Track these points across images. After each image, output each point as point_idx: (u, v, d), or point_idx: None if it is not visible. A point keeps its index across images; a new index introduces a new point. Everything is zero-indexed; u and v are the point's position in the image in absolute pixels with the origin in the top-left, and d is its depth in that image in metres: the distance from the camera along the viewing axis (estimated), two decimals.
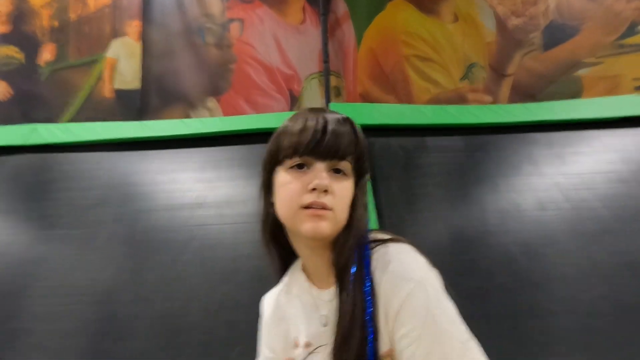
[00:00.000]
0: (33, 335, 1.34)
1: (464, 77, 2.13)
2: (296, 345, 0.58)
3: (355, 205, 0.54)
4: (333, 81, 2.26)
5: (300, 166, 0.53)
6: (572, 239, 1.36)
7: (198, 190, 1.64)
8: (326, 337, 0.53)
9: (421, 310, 0.46)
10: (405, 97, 2.15)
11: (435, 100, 2.11)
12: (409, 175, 1.61)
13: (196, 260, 1.43)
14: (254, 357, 1.19)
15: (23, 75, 2.52)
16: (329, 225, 0.51)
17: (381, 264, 0.51)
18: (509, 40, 2.09)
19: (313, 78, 2.32)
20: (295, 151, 0.52)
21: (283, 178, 0.53)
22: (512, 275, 1.34)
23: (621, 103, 1.71)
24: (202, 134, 1.83)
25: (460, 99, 2.09)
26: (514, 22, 2.10)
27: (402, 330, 0.47)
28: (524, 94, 2.00)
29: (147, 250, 1.47)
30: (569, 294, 1.27)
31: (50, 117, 2.41)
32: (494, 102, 2.03)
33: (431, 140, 1.72)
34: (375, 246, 0.53)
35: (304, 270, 0.61)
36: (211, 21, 2.43)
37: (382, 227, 1.45)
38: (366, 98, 2.23)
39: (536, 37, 2.07)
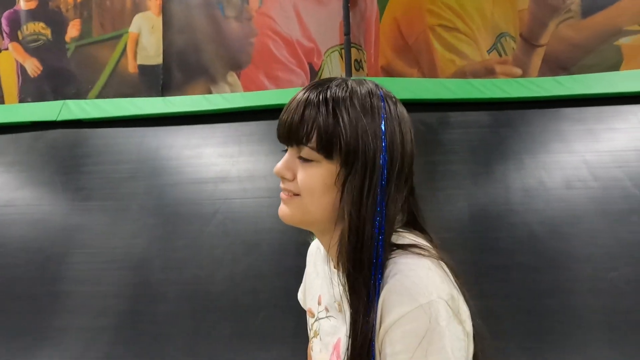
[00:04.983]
0: (74, 297, 1.46)
1: (492, 48, 2.03)
2: (319, 303, 0.59)
3: (345, 197, 0.46)
4: (354, 54, 2.20)
5: (285, 151, 0.51)
6: (599, 218, 1.33)
7: (221, 164, 1.69)
8: (335, 313, 0.54)
9: (413, 339, 0.41)
10: (428, 69, 2.07)
11: (461, 73, 2.03)
12: (430, 152, 1.59)
13: (220, 232, 1.50)
14: (278, 323, 1.27)
15: (51, 51, 2.58)
16: (291, 210, 0.50)
17: (391, 274, 0.45)
18: (544, 7, 1.95)
19: (334, 51, 2.27)
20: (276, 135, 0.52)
21: None
22: (535, 254, 1.33)
23: None
24: (223, 109, 1.85)
25: (487, 72, 2.00)
26: None
27: (389, 349, 0.43)
28: (556, 65, 1.89)
29: (175, 221, 1.54)
30: (593, 274, 1.26)
31: (79, 93, 2.48)
32: (524, 74, 1.93)
33: (455, 116, 1.67)
34: (392, 252, 0.47)
35: None
36: None
37: None
38: (388, 71, 2.17)
39: (574, 3, 1.92)
